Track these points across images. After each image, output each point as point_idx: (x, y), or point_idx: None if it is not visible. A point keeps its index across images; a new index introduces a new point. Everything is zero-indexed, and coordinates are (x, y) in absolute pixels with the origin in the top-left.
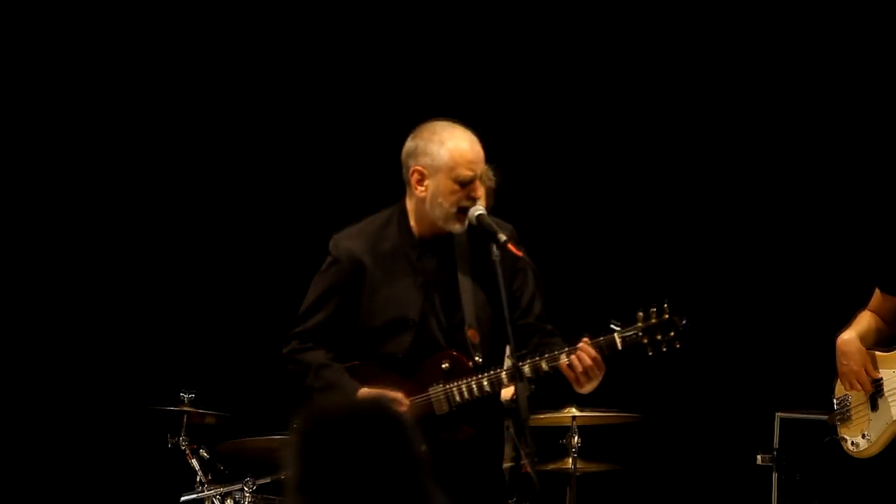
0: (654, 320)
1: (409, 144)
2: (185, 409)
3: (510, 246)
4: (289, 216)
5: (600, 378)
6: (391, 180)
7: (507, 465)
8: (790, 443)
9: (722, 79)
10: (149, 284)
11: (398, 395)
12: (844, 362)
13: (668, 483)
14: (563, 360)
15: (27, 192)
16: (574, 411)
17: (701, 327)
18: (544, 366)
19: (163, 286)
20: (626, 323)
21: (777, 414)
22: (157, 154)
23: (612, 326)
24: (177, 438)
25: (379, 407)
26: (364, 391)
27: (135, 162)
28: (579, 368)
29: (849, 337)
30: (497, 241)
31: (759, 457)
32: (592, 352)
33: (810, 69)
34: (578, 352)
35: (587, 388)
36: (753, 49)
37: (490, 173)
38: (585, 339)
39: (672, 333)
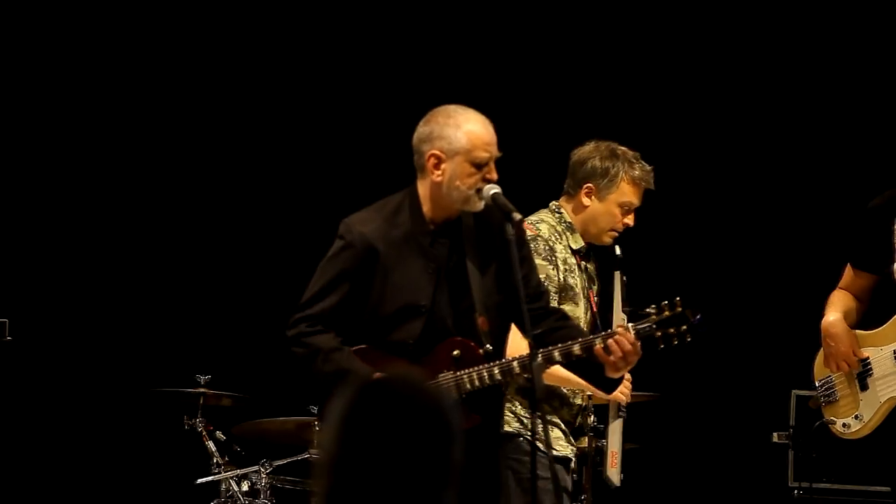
0: (666, 313)
1: (423, 129)
2: (202, 391)
3: (526, 225)
4: (301, 199)
5: (634, 363)
6: (398, 165)
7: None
8: (806, 420)
9: (731, 75)
10: (166, 267)
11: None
12: (832, 344)
13: (684, 461)
14: (599, 344)
15: (36, 178)
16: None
17: (717, 306)
18: (577, 350)
19: (179, 269)
20: (638, 314)
21: (793, 391)
22: (173, 139)
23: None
24: (193, 420)
25: (441, 405)
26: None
27: (152, 147)
28: (618, 353)
29: (834, 319)
30: (512, 219)
31: (774, 434)
32: (631, 337)
33: (805, 69)
34: (617, 336)
35: (621, 374)
36: (753, 49)
37: None
38: (621, 325)
39: (684, 327)
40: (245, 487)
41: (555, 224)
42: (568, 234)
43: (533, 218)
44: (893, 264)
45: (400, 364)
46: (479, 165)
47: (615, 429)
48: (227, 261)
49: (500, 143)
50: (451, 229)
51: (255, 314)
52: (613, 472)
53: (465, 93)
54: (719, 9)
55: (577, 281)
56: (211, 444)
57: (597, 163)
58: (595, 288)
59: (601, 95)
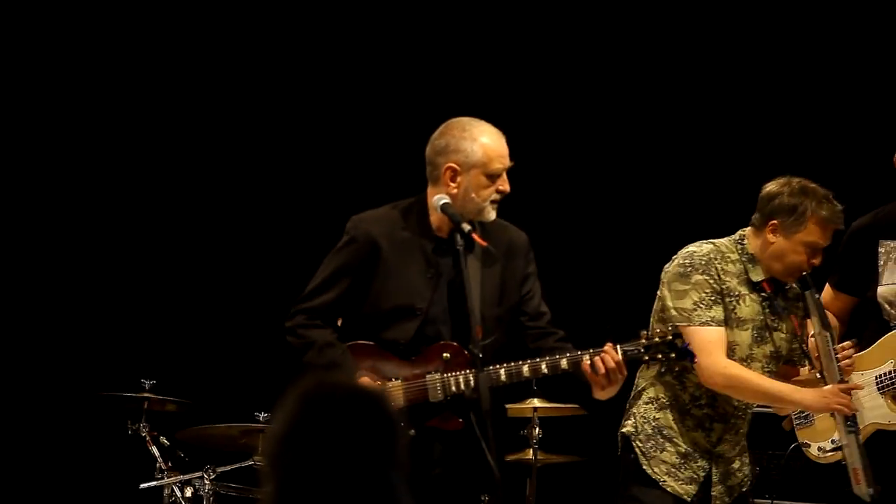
0: (657, 340)
1: (439, 142)
2: (146, 395)
3: (474, 236)
4: (253, 208)
5: (620, 383)
6: (380, 175)
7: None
8: (760, 437)
9: (735, 83)
10: (112, 271)
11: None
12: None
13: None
14: (586, 360)
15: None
16: (535, 403)
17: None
18: (564, 364)
19: (126, 273)
20: (618, 337)
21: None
22: (135, 145)
23: (608, 329)
24: (137, 425)
25: (380, 398)
26: (365, 379)
27: (109, 151)
28: (602, 370)
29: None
30: (461, 230)
31: None
32: (617, 356)
33: (802, 69)
34: (603, 354)
35: (606, 393)
36: (753, 49)
37: None
38: (610, 344)
39: (673, 354)
40: (188, 493)
41: (725, 249)
42: (749, 265)
43: (703, 245)
44: (879, 287)
45: (391, 362)
46: (493, 177)
47: (850, 444)
48: (173, 266)
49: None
50: (455, 239)
51: (201, 320)
52: (860, 489)
53: (471, 94)
54: (719, 9)
55: (738, 307)
56: (155, 450)
57: (785, 199)
58: (786, 325)
59: (610, 100)
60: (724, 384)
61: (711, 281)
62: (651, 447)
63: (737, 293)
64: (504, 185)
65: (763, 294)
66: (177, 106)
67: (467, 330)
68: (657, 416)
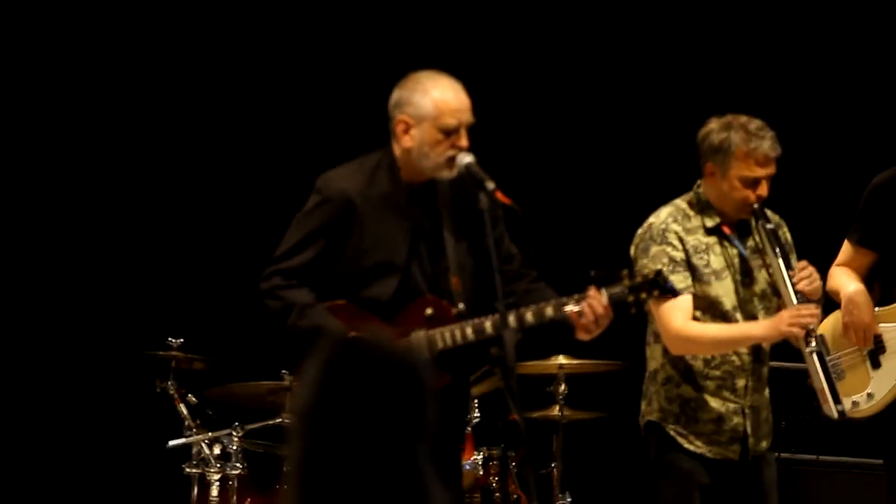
0: (639, 279)
1: (395, 95)
2: (173, 354)
3: (498, 194)
4: (273, 161)
5: (605, 327)
6: (373, 124)
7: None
8: (777, 391)
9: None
10: (137, 231)
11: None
12: (856, 313)
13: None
14: (573, 307)
15: (13, 151)
16: (561, 359)
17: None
18: (550, 312)
19: (151, 232)
20: (610, 278)
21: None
22: (137, 115)
23: (593, 276)
24: (165, 384)
25: (414, 363)
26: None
27: (125, 121)
28: (591, 316)
29: (856, 288)
30: (485, 188)
31: None
32: (603, 300)
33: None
34: (590, 299)
35: (591, 337)
36: (753, 48)
37: None
38: (594, 288)
39: (656, 292)
40: (217, 451)
41: (685, 206)
42: (704, 214)
43: (662, 210)
44: None
45: (373, 322)
46: (447, 132)
47: (810, 363)
48: (198, 224)
49: (500, 128)
50: (428, 192)
51: (228, 278)
52: (827, 407)
53: (450, 51)
54: (719, 9)
55: (709, 259)
56: (182, 408)
57: (713, 139)
58: (760, 259)
59: (604, 90)
60: (680, 346)
61: (669, 248)
62: (684, 424)
63: (703, 246)
64: (460, 140)
65: (724, 237)
66: (193, 85)
67: (446, 282)
68: (679, 392)
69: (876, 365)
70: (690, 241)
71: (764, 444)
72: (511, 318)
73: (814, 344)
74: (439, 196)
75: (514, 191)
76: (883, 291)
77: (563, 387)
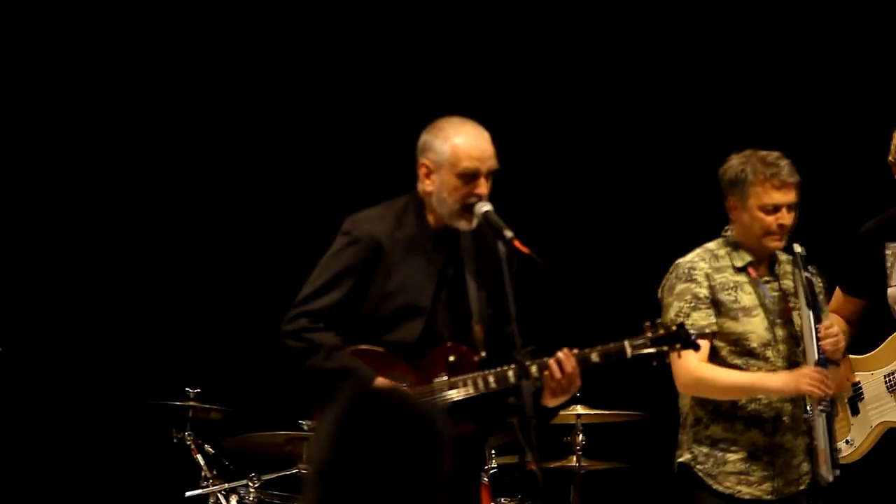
0: (661, 331)
1: (421, 139)
2: (191, 403)
3: (517, 243)
4: (292, 211)
5: (572, 393)
6: (387, 171)
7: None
8: None
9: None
10: (154, 280)
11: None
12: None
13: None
14: (534, 368)
15: (28, 189)
16: (579, 409)
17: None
18: (511, 377)
19: (168, 282)
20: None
21: None
22: (158, 150)
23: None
24: (182, 434)
25: (432, 417)
26: (384, 381)
27: (134, 158)
28: (557, 375)
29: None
30: (504, 237)
31: None
32: (573, 361)
33: (804, 69)
34: (559, 357)
35: (559, 401)
36: (755, 48)
37: None
38: (566, 349)
39: (679, 345)
40: (234, 502)
41: (713, 247)
42: (733, 253)
43: (692, 253)
44: (889, 289)
45: (397, 368)
46: (465, 179)
47: (817, 425)
48: (217, 274)
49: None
50: (452, 237)
51: (245, 328)
52: (824, 469)
53: (469, 93)
54: (719, 9)
55: (738, 296)
56: (200, 458)
57: (730, 174)
58: (794, 301)
59: (611, 99)
60: (692, 386)
61: (693, 286)
62: (712, 465)
63: (732, 284)
64: (479, 188)
65: (750, 278)
66: (220, 129)
67: (468, 329)
68: (708, 434)
69: (855, 412)
70: (718, 278)
71: (793, 489)
72: (492, 380)
73: (826, 405)
74: (462, 243)
75: (533, 239)
76: (853, 337)
77: (580, 437)
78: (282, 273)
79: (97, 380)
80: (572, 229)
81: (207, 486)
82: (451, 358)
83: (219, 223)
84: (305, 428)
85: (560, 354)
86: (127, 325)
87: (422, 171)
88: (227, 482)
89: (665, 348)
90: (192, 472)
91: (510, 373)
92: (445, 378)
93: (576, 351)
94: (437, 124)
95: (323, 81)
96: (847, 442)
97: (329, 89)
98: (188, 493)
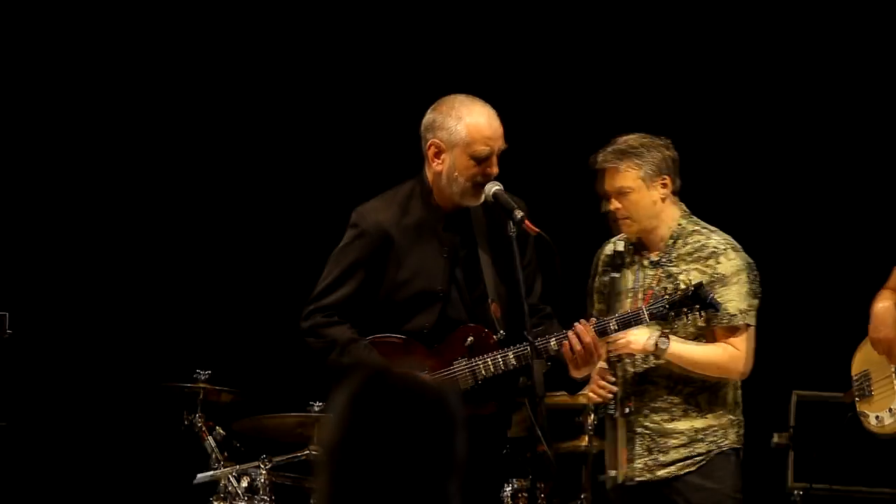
0: (679, 294)
1: (428, 117)
2: (201, 386)
3: (527, 223)
4: (304, 193)
5: (597, 363)
6: (399, 157)
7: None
8: (806, 422)
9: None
10: (166, 262)
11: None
12: (881, 329)
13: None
14: (553, 343)
15: (42, 177)
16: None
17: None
18: (554, 345)
19: (180, 264)
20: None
21: (794, 392)
22: (167, 138)
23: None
24: (192, 416)
25: (444, 397)
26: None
27: (145, 144)
28: (577, 347)
29: (884, 306)
30: (514, 217)
31: (774, 436)
32: (590, 332)
33: (809, 69)
34: (577, 329)
35: (583, 374)
36: (755, 47)
37: None
38: (583, 321)
39: (698, 306)
40: (244, 484)
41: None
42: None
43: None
44: None
45: (415, 355)
46: (478, 159)
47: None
48: (227, 255)
49: (508, 136)
50: (461, 217)
51: (256, 309)
52: (611, 471)
53: (468, 89)
54: (719, 8)
55: (605, 281)
56: (210, 441)
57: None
58: (645, 284)
59: (611, 90)
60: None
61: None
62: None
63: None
64: (491, 167)
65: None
66: (227, 124)
67: (485, 308)
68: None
69: None
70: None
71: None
72: (511, 357)
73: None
74: (474, 222)
75: (544, 218)
76: None
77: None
78: (292, 256)
79: (108, 362)
80: (581, 208)
81: (218, 469)
82: (469, 339)
83: (230, 207)
84: (316, 410)
85: (578, 326)
86: (137, 308)
87: (430, 151)
88: (238, 464)
89: (685, 310)
90: (202, 454)
91: (530, 350)
92: (465, 361)
93: (594, 321)
94: (445, 102)
95: (336, 73)
96: (890, 411)
97: (344, 76)
98: (199, 476)
